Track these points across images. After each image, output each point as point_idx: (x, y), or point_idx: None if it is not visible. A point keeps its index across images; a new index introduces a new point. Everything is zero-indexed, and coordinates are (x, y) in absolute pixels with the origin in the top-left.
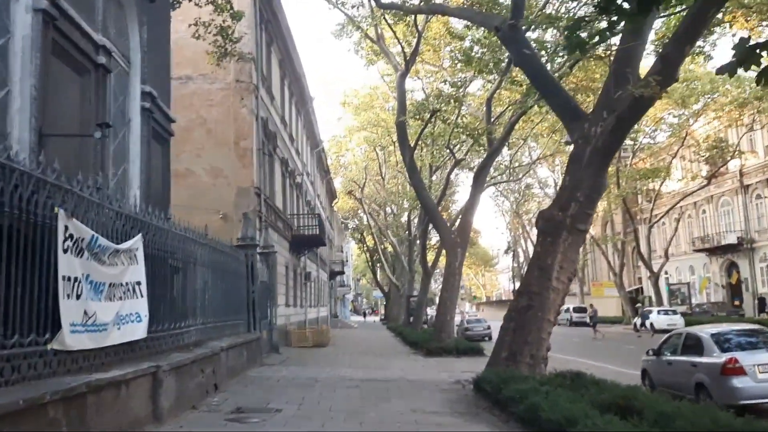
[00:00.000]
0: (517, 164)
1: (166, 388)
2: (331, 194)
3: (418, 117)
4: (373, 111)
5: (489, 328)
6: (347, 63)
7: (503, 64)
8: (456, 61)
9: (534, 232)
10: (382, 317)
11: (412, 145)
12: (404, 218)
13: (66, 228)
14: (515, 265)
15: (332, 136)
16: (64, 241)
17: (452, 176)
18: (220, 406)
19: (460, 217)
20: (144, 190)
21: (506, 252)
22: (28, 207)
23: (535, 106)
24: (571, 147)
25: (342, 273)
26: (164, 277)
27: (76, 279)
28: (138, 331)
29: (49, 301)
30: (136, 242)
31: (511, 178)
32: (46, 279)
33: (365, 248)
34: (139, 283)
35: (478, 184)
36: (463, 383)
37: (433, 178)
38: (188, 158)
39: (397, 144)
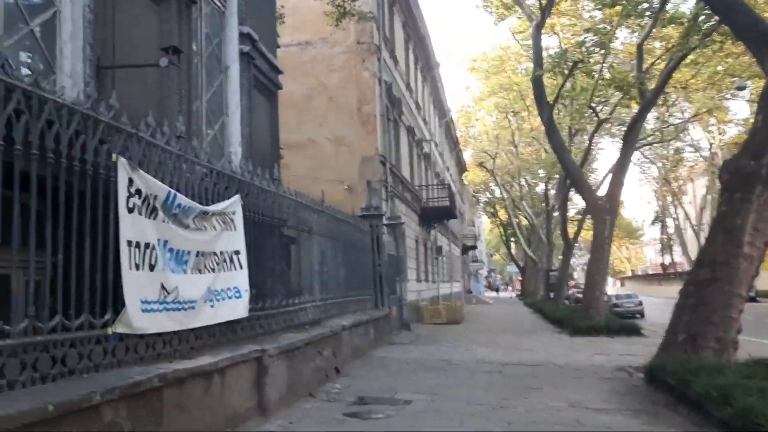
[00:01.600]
0: (666, 125)
1: (273, 376)
2: (461, 167)
3: (558, 70)
4: (503, 74)
5: (641, 303)
6: (473, 27)
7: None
8: (600, 5)
9: (687, 200)
10: (518, 293)
11: (550, 102)
12: (540, 188)
13: (130, 181)
14: (664, 236)
15: (460, 107)
16: (129, 198)
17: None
18: (341, 393)
19: (609, 180)
20: (246, 147)
21: (653, 223)
22: (71, 152)
23: (695, 51)
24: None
25: (474, 248)
26: (272, 247)
27: (147, 245)
28: (237, 308)
29: (109, 273)
30: (233, 204)
31: (661, 139)
32: (103, 245)
33: (498, 222)
34: (237, 253)
35: (629, 143)
36: (629, 370)
37: (573, 143)
38: (310, 128)
39: (531, 109)
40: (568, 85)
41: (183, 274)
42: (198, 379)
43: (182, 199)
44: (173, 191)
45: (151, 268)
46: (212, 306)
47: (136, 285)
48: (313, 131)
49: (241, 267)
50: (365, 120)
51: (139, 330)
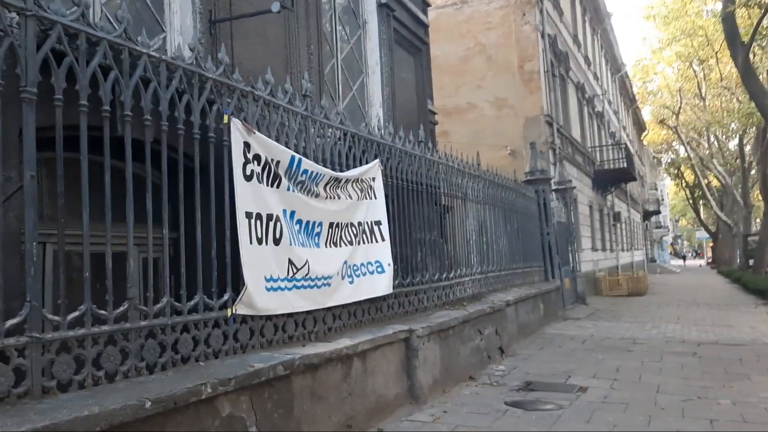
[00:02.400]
0: None
1: (424, 358)
2: (639, 126)
3: (753, 3)
4: (686, 18)
5: None
6: None
7: None
8: None
9: None
10: (709, 260)
11: (745, 42)
12: (733, 144)
13: (247, 146)
14: None
15: (635, 61)
16: (245, 165)
17: None
18: (505, 377)
19: None
20: (388, 109)
21: None
22: (173, 113)
23: None
24: None
25: (657, 213)
26: (420, 216)
27: (270, 217)
28: (380, 285)
29: (226, 249)
30: (371, 170)
31: None
32: (218, 218)
33: (683, 184)
34: (378, 223)
35: None
36: None
37: None
38: (468, 91)
39: (720, 55)
40: (766, 21)
41: (315, 247)
42: (334, 365)
43: (309, 164)
44: (298, 156)
45: (276, 241)
46: (351, 282)
47: (258, 261)
48: (473, 95)
49: (382, 239)
50: (528, 78)
51: (264, 311)
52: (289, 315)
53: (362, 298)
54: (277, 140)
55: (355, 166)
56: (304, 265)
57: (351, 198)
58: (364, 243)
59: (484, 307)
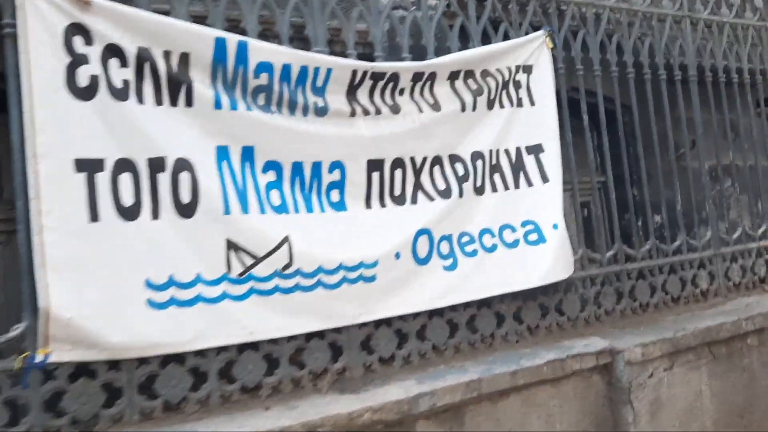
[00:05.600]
0: None
1: (653, 403)
2: None
3: None
4: None
5: None
6: None
7: None
8: None
9: None
10: None
11: None
12: None
13: (75, 32)
14: None
15: None
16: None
17: None
18: None
19: None
20: None
21: None
22: None
23: None
24: None
25: None
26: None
27: (158, 164)
28: (536, 264)
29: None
30: (517, 50)
31: None
32: None
33: None
34: (535, 150)
35: None
36: None
37: None
38: None
39: None
40: None
41: (322, 211)
42: None
43: (287, 53)
44: (237, 39)
45: (184, 209)
46: (451, 267)
47: (112, 254)
48: None
49: (544, 179)
50: None
51: (129, 348)
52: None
53: (485, 295)
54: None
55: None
56: (279, 247)
57: (455, 107)
58: (491, 190)
59: None
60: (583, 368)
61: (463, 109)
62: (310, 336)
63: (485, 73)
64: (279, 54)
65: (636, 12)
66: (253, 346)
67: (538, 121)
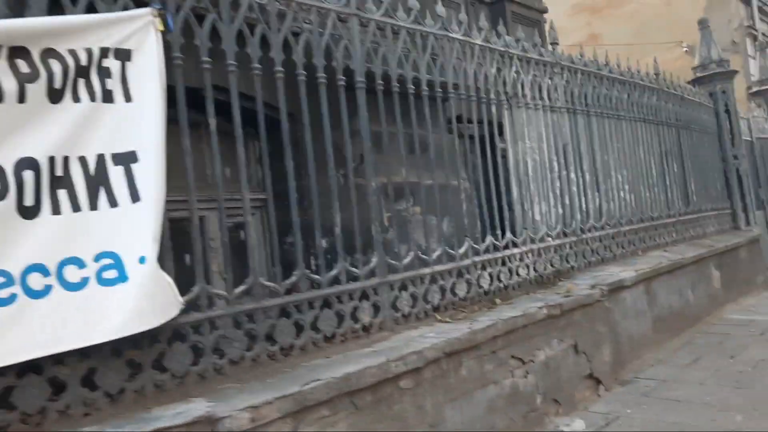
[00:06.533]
0: None
1: None
2: None
3: None
4: None
5: None
6: None
7: None
8: None
9: None
10: None
11: None
12: None
13: None
14: None
15: None
16: None
17: None
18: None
19: None
20: None
21: None
22: None
23: None
24: None
25: None
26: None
27: None
28: (106, 313)
29: None
30: (102, 26)
31: None
32: None
33: None
34: (126, 159)
35: None
36: None
37: None
38: None
39: None
40: None
41: None
42: None
43: None
44: None
45: None
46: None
47: None
48: None
49: (133, 197)
50: None
51: None
52: None
53: (25, 358)
54: None
55: None
56: None
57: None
58: (51, 212)
59: (533, 307)
60: None
61: (1, 99)
62: None
63: (49, 53)
64: None
65: (290, 2)
66: None
67: (135, 123)
